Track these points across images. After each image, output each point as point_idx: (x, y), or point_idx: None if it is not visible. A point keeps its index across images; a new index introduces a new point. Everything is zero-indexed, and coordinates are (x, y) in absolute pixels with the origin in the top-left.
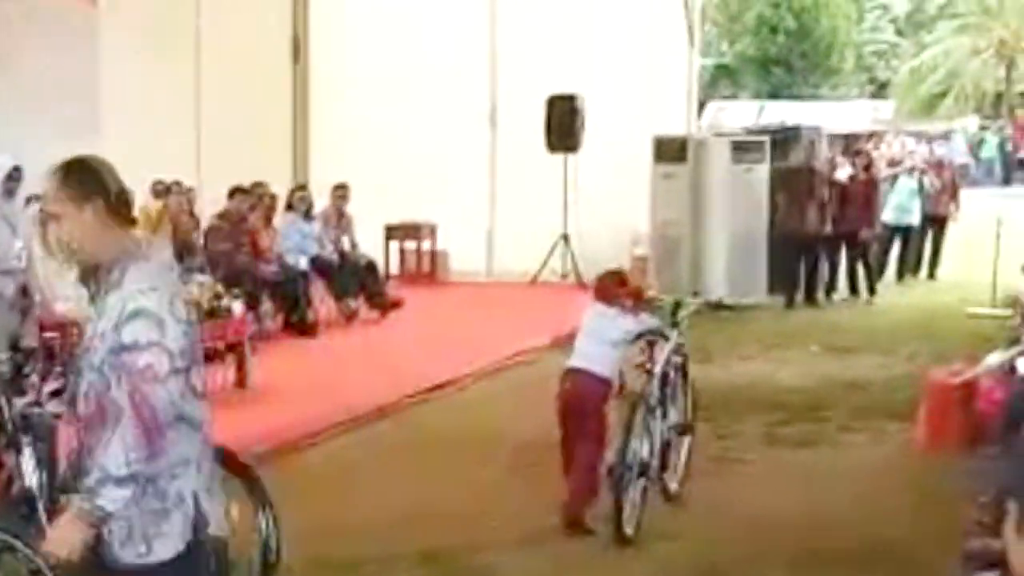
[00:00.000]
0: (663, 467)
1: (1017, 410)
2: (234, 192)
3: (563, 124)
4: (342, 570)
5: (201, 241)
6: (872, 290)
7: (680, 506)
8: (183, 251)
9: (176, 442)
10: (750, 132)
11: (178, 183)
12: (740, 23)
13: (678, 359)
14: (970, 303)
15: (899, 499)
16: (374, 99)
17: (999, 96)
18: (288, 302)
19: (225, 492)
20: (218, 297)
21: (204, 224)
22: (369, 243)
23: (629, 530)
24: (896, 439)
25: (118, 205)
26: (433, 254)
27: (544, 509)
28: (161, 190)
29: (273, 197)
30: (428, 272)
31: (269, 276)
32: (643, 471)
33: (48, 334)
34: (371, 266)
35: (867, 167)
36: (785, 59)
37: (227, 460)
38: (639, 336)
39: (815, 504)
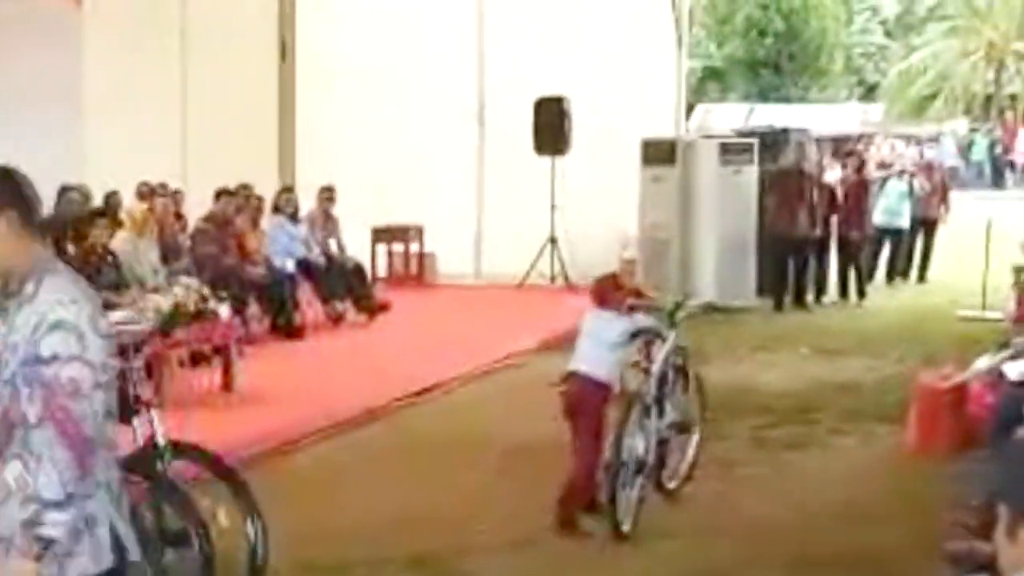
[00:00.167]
0: (660, 465)
1: (1007, 413)
2: (220, 194)
3: (551, 126)
4: (330, 574)
5: (187, 244)
6: (862, 293)
7: (671, 509)
8: (169, 254)
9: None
10: (739, 134)
11: (163, 185)
12: (729, 25)
13: (678, 359)
14: (960, 306)
15: (889, 503)
16: (361, 101)
17: (989, 98)
18: (275, 305)
19: (212, 496)
20: (204, 300)
21: (190, 226)
22: (356, 245)
23: (626, 527)
24: (886, 442)
25: (32, 216)
26: (421, 257)
27: (533, 512)
28: (146, 192)
29: (259, 199)
30: (415, 275)
31: (256, 279)
32: (639, 469)
33: None
34: (358, 269)
35: (859, 168)
36: (774, 61)
37: (214, 464)
38: (635, 336)
39: (805, 507)
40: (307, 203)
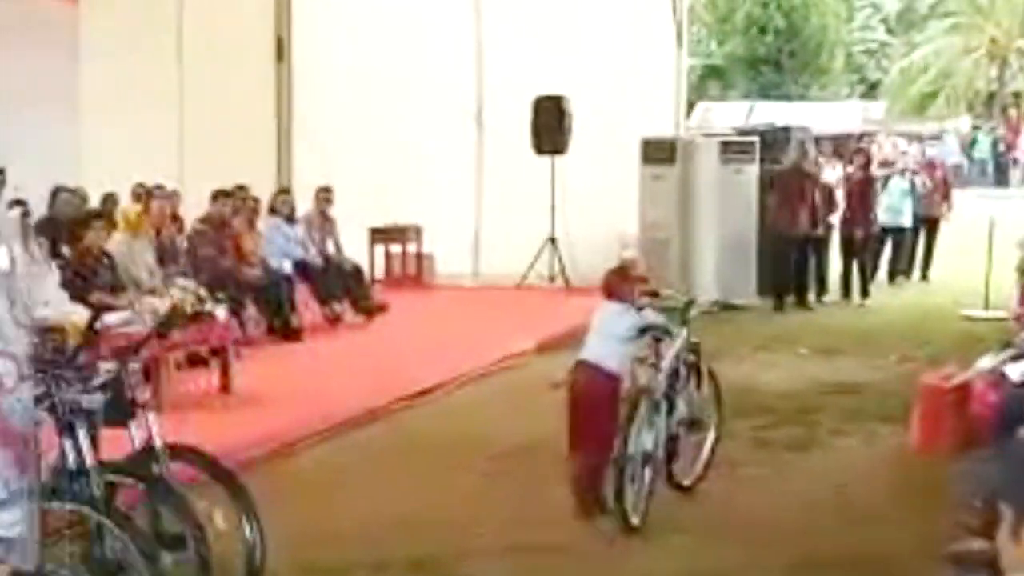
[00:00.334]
0: (670, 459)
1: (1011, 414)
2: (217, 196)
3: (550, 126)
4: None
5: (184, 245)
6: (866, 292)
7: (673, 510)
8: (166, 255)
9: None
10: (739, 133)
11: (160, 187)
12: (729, 23)
13: (690, 357)
14: (963, 305)
15: (891, 503)
16: (359, 101)
17: (991, 96)
18: (272, 306)
19: (209, 499)
20: (201, 302)
21: (187, 228)
22: (354, 246)
23: (636, 520)
24: (888, 442)
25: None
26: (419, 257)
27: (534, 515)
28: (141, 193)
29: (256, 200)
30: (414, 275)
31: (253, 280)
32: (646, 462)
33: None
34: (356, 270)
35: (866, 166)
36: (774, 59)
37: (211, 467)
38: (643, 332)
39: (807, 508)
40: (304, 204)
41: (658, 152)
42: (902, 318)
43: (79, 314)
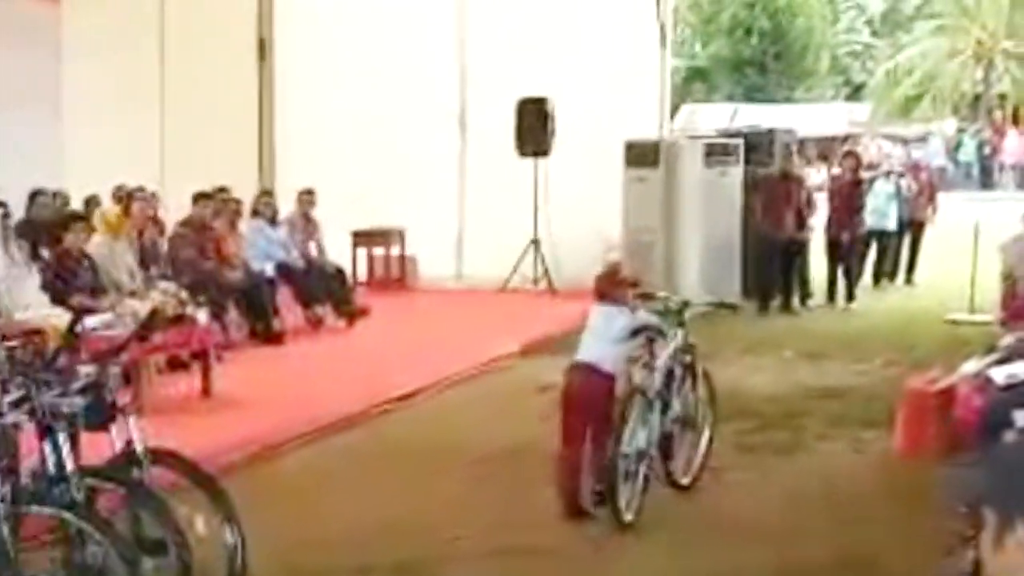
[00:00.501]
0: (666, 457)
1: (995, 418)
2: (198, 198)
3: (533, 128)
4: None
5: (165, 248)
6: (851, 296)
7: (661, 514)
8: (147, 258)
9: None
10: (723, 135)
11: (141, 189)
12: (713, 24)
13: (686, 357)
14: (948, 308)
15: (876, 507)
16: (341, 103)
17: (977, 98)
18: (254, 310)
19: (190, 504)
20: (183, 304)
21: (168, 230)
22: (336, 249)
23: (629, 516)
24: (873, 447)
25: None
26: (402, 260)
27: (518, 518)
28: (122, 196)
29: (237, 202)
30: (397, 278)
31: (234, 283)
32: (640, 460)
33: (9, 343)
34: (339, 273)
35: (856, 169)
36: (759, 61)
37: (192, 471)
38: (636, 333)
39: (792, 512)
40: (287, 206)
41: (642, 154)
42: (887, 322)
43: (59, 317)
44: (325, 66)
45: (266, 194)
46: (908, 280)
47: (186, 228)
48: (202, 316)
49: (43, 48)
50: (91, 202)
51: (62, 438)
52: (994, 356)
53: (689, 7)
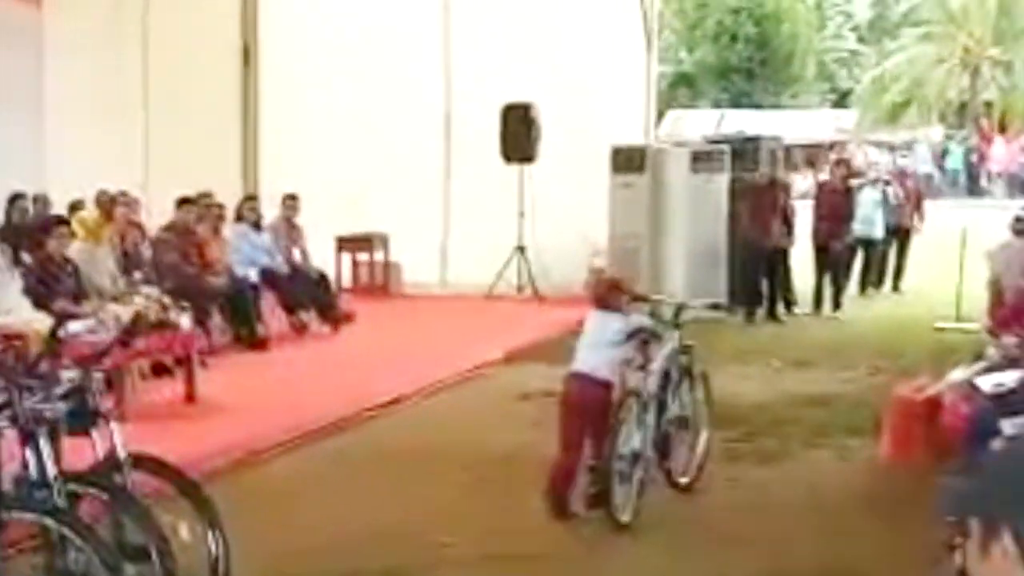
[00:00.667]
0: (664, 458)
1: (982, 426)
2: (182, 202)
3: (518, 134)
4: None
5: (148, 252)
6: (838, 304)
7: (646, 524)
8: (130, 263)
9: None
10: (710, 142)
11: (124, 193)
12: (699, 30)
13: (683, 359)
14: (935, 316)
15: (863, 517)
16: (326, 108)
17: (963, 105)
18: (238, 315)
19: (173, 510)
20: (165, 309)
21: (150, 235)
22: (320, 255)
23: (625, 517)
24: (860, 455)
25: None
26: (386, 266)
27: (505, 524)
28: (105, 200)
29: (220, 207)
30: (381, 284)
31: (218, 288)
32: (635, 462)
33: None
34: (323, 278)
35: (846, 177)
36: (745, 67)
37: (175, 477)
38: (631, 336)
39: (780, 519)
40: (271, 211)
41: (628, 160)
42: (874, 330)
43: (41, 321)
44: (309, 71)
45: (250, 199)
46: (895, 288)
47: (169, 233)
48: (185, 321)
49: (25, 50)
50: (76, 207)
51: (44, 443)
52: (981, 364)
53: (675, 13)
